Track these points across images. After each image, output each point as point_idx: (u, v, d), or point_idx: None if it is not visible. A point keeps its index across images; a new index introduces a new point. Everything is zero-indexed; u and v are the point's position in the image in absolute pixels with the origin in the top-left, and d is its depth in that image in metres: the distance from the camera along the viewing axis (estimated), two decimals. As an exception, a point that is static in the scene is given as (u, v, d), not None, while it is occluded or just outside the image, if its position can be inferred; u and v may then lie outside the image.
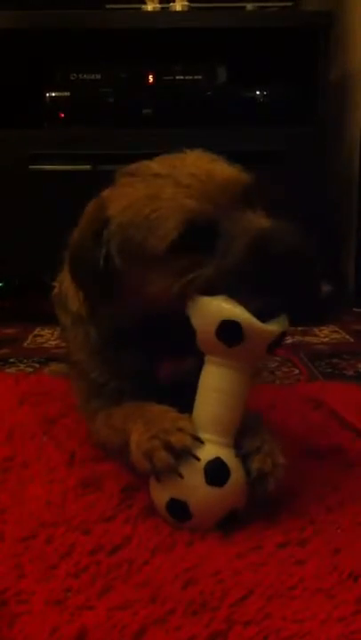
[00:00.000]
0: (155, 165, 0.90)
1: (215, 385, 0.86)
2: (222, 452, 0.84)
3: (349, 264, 2.27)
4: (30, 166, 1.99)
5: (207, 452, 0.83)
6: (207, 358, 0.87)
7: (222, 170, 0.88)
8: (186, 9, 2.04)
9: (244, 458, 0.86)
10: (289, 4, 2.08)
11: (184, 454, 0.82)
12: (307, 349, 1.77)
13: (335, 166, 2.21)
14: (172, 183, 0.85)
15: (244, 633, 0.66)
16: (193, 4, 2.04)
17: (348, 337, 1.90)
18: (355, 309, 2.18)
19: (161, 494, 0.85)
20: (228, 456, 0.84)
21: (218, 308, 0.83)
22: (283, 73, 2.05)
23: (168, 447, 0.83)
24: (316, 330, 1.95)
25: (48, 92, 2.05)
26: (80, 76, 2.04)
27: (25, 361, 1.68)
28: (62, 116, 2.06)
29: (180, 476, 0.82)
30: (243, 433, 0.87)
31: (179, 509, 0.83)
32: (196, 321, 0.85)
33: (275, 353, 0.88)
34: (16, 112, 2.02)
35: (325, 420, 1.19)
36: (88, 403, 1.07)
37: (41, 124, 2.07)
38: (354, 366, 1.62)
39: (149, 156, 0.97)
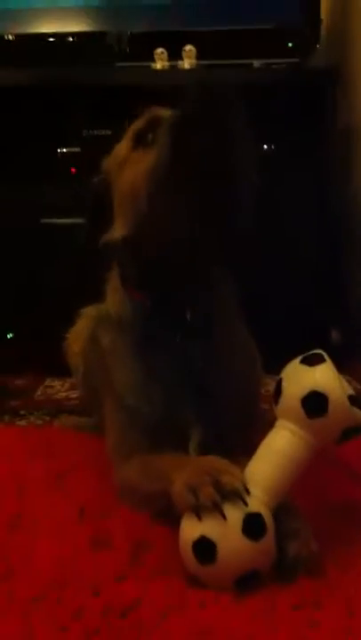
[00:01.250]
0: None
1: (281, 448, 0.88)
2: (264, 511, 0.84)
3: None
4: (42, 220, 2.02)
5: (251, 504, 0.83)
6: (281, 422, 0.90)
7: None
8: (194, 67, 2.08)
9: (280, 535, 0.85)
10: (295, 60, 2.13)
11: (231, 496, 0.83)
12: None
13: (341, 220, 2.22)
14: None
15: None
16: (201, 62, 2.09)
17: (360, 387, 1.89)
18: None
19: (192, 530, 0.84)
20: (268, 517, 0.84)
21: (313, 376, 0.88)
22: (290, 127, 2.09)
23: (217, 485, 0.84)
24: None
25: (59, 147, 2.09)
26: (91, 131, 2.09)
27: (35, 413, 1.68)
28: (74, 171, 2.10)
29: (223, 515, 0.82)
30: (279, 509, 0.87)
31: (206, 550, 0.82)
32: (287, 384, 0.90)
33: (345, 442, 0.90)
34: (28, 167, 2.06)
35: (339, 475, 1.17)
36: (122, 442, 1.09)
37: (53, 179, 2.11)
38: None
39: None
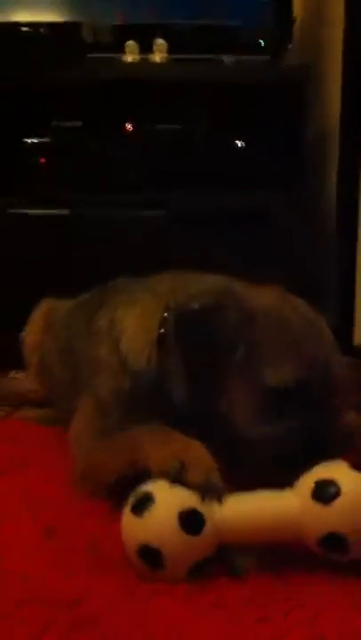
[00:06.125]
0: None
1: (274, 511, 0.85)
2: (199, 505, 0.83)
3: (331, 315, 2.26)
4: (9, 210, 2.00)
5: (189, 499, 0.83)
6: (292, 494, 0.85)
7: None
8: (165, 60, 2.08)
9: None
10: (266, 57, 2.12)
11: (212, 492, 0.83)
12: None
13: (313, 220, 2.23)
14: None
15: None
16: (172, 56, 2.08)
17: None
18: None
19: (133, 539, 0.83)
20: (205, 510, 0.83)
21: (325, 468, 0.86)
22: (262, 126, 2.09)
23: (207, 475, 0.84)
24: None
25: (29, 137, 2.07)
26: (61, 122, 2.07)
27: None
28: (43, 161, 2.08)
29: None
30: None
31: (152, 557, 0.81)
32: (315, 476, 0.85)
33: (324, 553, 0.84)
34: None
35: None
36: (92, 422, 1.07)
37: (22, 169, 2.09)
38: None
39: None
